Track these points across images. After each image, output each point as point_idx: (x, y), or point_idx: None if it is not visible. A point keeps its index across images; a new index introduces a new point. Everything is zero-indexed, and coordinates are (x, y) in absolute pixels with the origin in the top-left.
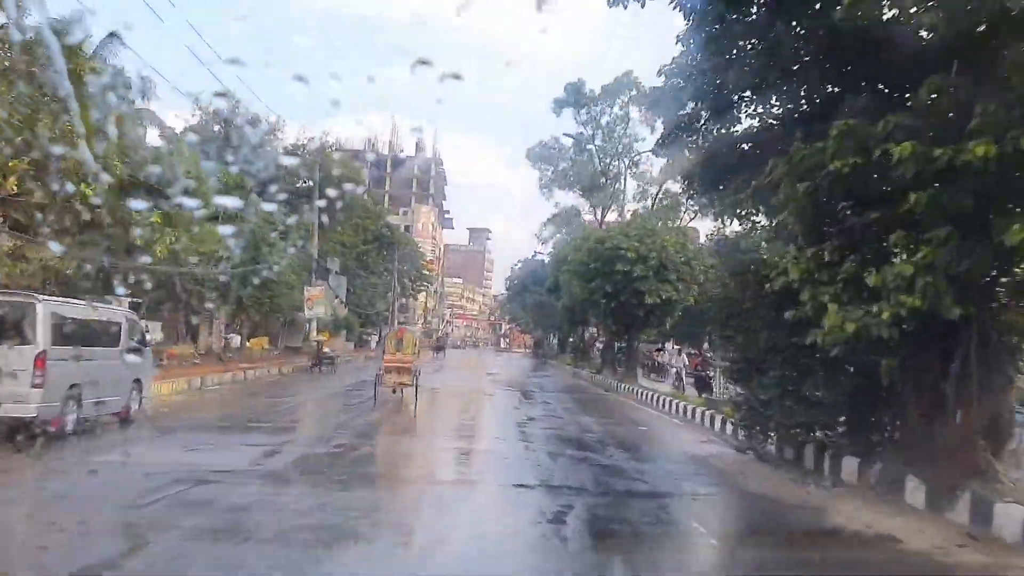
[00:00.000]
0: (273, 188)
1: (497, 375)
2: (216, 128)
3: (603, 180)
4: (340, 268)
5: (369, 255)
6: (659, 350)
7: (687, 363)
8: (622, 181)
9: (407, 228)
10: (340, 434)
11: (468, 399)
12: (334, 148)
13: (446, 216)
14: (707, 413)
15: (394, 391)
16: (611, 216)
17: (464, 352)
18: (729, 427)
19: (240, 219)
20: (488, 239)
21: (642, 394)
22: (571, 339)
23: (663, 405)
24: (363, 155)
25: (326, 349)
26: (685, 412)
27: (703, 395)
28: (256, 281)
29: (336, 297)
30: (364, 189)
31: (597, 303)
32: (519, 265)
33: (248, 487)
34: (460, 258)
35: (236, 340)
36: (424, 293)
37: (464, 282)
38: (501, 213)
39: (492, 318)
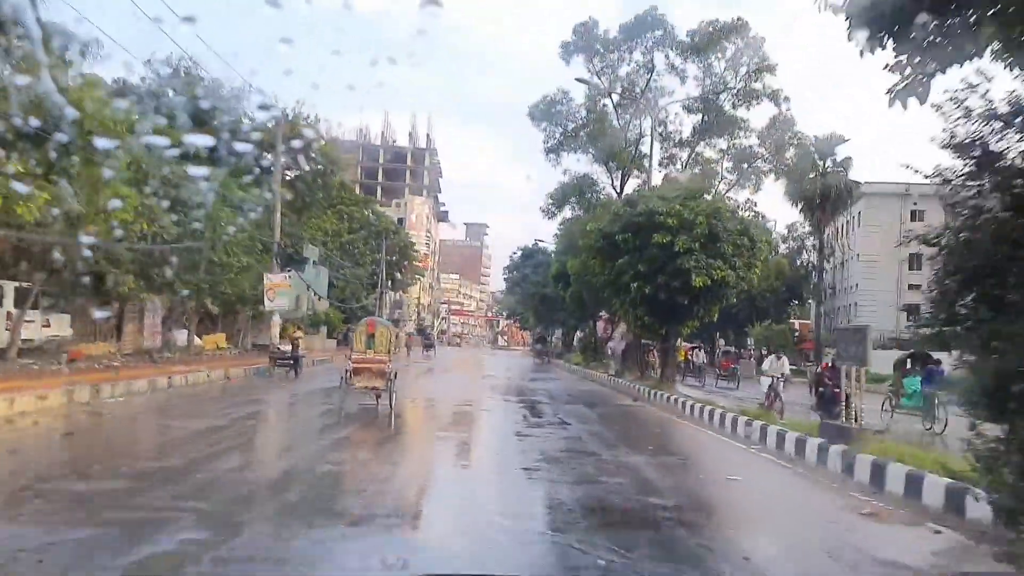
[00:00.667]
0: (228, 156)
1: (495, 378)
2: (171, 91)
3: (623, 144)
4: (321, 258)
5: (355, 245)
6: (696, 348)
7: (786, 372)
8: (648, 145)
9: (400, 220)
10: (213, 502)
11: (456, 418)
12: (308, 119)
13: (442, 209)
14: (833, 450)
15: (368, 395)
16: (633, 185)
17: (460, 350)
18: (893, 480)
19: (169, 184)
20: (485, 234)
21: (692, 408)
22: (580, 334)
23: (734, 428)
24: (355, 145)
25: (300, 348)
26: (782, 444)
27: (825, 419)
28: (191, 262)
29: (309, 288)
30: (347, 173)
31: (624, 287)
32: (518, 254)
33: None
34: (457, 255)
35: (182, 337)
36: (418, 287)
37: (461, 278)
38: (500, 213)
39: (489, 314)
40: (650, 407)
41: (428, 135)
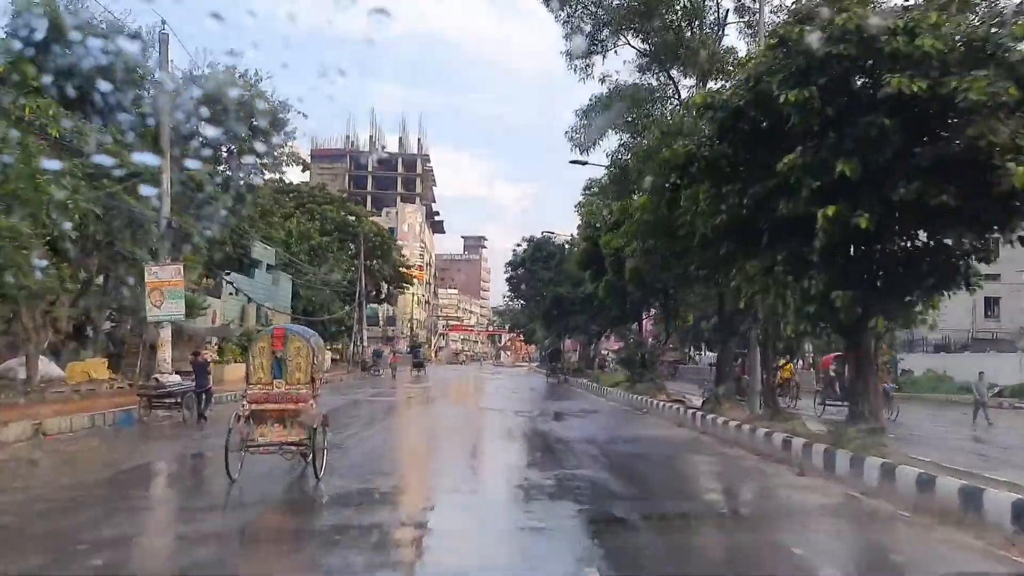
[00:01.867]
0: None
1: (502, 414)
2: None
3: (696, 34)
4: (282, 262)
5: (329, 248)
6: (787, 360)
7: None
8: (729, 32)
9: (391, 230)
10: None
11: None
12: (246, 75)
13: (436, 219)
14: None
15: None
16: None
17: (459, 370)
18: None
19: None
20: (484, 247)
21: None
22: (619, 344)
23: None
24: (341, 152)
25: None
26: None
27: None
28: None
29: (244, 296)
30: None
31: (790, 225)
32: (523, 247)
33: None
34: (457, 270)
35: (17, 367)
36: (412, 301)
37: (460, 293)
38: (498, 227)
39: (491, 328)
40: (882, 505)
41: (420, 140)
